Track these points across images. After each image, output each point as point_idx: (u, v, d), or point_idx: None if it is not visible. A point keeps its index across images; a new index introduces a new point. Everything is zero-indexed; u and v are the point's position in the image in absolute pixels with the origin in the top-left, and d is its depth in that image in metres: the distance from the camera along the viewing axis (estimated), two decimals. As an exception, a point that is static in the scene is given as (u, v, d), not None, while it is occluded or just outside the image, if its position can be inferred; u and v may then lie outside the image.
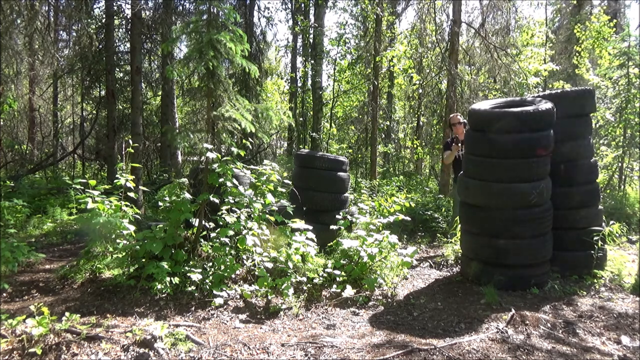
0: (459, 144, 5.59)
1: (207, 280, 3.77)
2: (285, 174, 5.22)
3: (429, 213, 7.22)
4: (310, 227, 4.37)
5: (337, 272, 4.07)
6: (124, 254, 3.93)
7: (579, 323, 3.31)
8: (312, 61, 12.64)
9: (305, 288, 3.95)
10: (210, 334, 3.05)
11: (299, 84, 14.09)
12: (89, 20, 10.65)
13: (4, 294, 3.75)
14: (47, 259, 5.01)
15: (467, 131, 4.44)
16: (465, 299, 3.88)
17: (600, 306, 3.66)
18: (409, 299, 3.90)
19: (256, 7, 13.59)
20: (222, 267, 3.89)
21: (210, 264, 4.01)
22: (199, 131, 4.26)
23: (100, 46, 11.04)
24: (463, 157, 4.39)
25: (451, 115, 6.21)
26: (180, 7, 11.53)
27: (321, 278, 4.06)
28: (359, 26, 13.73)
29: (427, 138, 14.44)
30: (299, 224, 4.37)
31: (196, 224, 4.18)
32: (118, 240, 3.96)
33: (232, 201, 4.15)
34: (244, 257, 4.21)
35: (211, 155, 3.96)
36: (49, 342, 2.57)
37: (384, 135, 14.36)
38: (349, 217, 4.96)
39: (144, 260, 3.83)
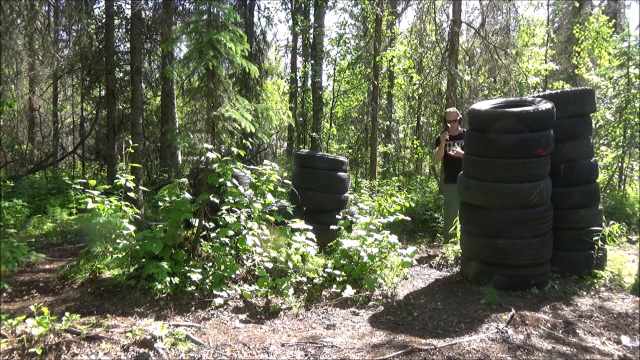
0: (447, 137, 5.50)
1: (207, 280, 3.77)
2: (285, 174, 5.22)
3: (429, 213, 7.22)
4: (310, 227, 4.37)
5: (337, 272, 4.07)
6: (124, 254, 3.93)
7: (579, 323, 3.31)
8: (312, 61, 12.64)
9: (305, 288, 3.95)
10: (210, 334, 3.05)
11: (299, 84, 14.09)
12: (89, 20, 10.64)
13: (4, 294, 3.75)
14: (47, 259, 5.01)
15: (467, 131, 4.44)
16: (465, 299, 3.88)
17: (600, 306, 3.66)
18: (409, 299, 3.90)
19: (256, 7, 13.60)
20: (222, 267, 3.89)
21: (210, 264, 4.01)
22: (199, 131, 4.26)
23: (100, 46, 11.04)
24: (463, 157, 4.38)
25: (449, 111, 5.78)
26: (180, 7, 11.53)
27: (321, 278, 4.06)
28: (359, 26, 13.74)
29: (427, 138, 14.43)
30: (299, 224, 4.37)
31: (196, 224, 4.18)
32: (118, 240, 3.96)
33: (232, 201, 4.15)
34: (244, 257, 4.21)
35: (211, 155, 3.96)
36: (49, 342, 2.57)
37: (384, 135, 14.36)
38: (349, 217, 4.96)
39: (144, 260, 3.83)
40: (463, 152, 5.53)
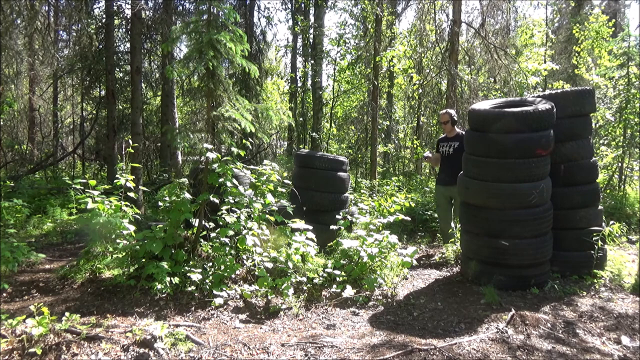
0: (440, 151, 5.52)
1: (207, 280, 3.77)
2: (285, 174, 5.22)
3: (429, 213, 7.22)
4: (310, 227, 4.37)
5: (337, 272, 4.07)
6: (124, 254, 3.93)
7: (579, 323, 3.31)
8: (312, 61, 12.64)
9: (305, 288, 3.95)
10: (210, 334, 3.05)
11: (299, 84, 14.09)
12: (89, 20, 10.65)
13: (4, 294, 3.75)
14: (47, 259, 5.01)
15: (467, 131, 4.44)
16: (465, 299, 3.88)
17: (600, 306, 3.66)
18: (409, 299, 3.90)
19: (256, 7, 13.61)
20: (222, 267, 3.90)
21: (210, 264, 4.01)
22: (199, 131, 4.26)
23: (100, 46, 11.05)
24: (463, 157, 4.38)
25: (440, 113, 5.67)
26: (180, 7, 11.55)
27: (321, 278, 4.06)
28: (359, 26, 13.72)
29: (427, 138, 14.43)
30: (299, 224, 4.37)
31: (196, 224, 4.18)
32: (118, 240, 3.96)
33: (232, 201, 4.15)
34: (244, 257, 4.22)
35: (211, 155, 3.96)
36: (49, 342, 2.57)
37: (384, 135, 14.35)
38: (349, 217, 4.96)
39: (144, 260, 3.83)
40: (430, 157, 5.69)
